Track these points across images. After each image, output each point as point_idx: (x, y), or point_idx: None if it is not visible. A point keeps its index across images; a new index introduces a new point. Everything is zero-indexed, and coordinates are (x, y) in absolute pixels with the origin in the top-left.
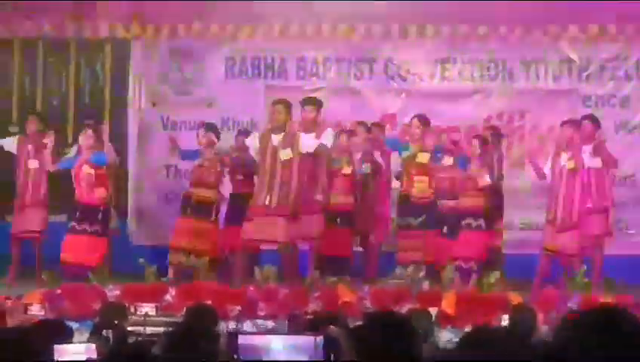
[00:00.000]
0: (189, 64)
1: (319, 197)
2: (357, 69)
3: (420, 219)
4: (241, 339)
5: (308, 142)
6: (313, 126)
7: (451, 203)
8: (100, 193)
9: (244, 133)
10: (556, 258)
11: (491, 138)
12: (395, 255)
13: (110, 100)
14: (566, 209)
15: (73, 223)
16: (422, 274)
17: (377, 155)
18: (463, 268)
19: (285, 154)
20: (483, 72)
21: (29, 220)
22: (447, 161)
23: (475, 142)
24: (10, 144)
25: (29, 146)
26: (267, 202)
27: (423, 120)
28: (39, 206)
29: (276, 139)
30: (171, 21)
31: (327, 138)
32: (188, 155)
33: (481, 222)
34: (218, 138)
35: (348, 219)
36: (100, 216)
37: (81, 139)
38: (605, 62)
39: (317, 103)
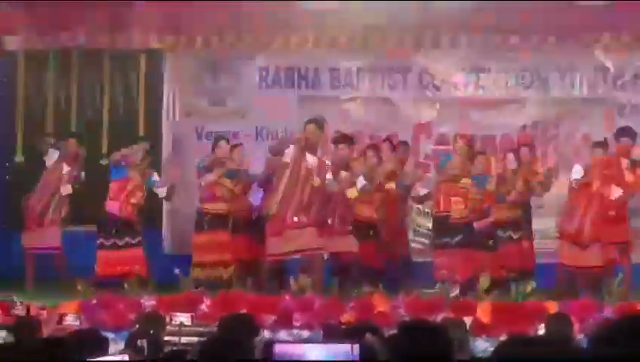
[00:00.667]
0: (222, 75)
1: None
2: (390, 79)
3: (458, 239)
4: (277, 348)
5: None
6: (346, 162)
7: (488, 219)
8: (137, 206)
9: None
10: (581, 272)
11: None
12: (428, 266)
13: (144, 111)
14: (594, 225)
15: (112, 239)
16: (457, 291)
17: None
18: (500, 279)
19: (317, 182)
20: (517, 80)
21: (51, 237)
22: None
23: (511, 156)
24: (52, 157)
25: (65, 168)
26: (295, 219)
27: (469, 141)
28: (60, 223)
29: (310, 159)
30: (205, 32)
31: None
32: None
33: (519, 233)
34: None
35: (377, 233)
36: (136, 228)
37: (131, 154)
38: None
39: (349, 141)
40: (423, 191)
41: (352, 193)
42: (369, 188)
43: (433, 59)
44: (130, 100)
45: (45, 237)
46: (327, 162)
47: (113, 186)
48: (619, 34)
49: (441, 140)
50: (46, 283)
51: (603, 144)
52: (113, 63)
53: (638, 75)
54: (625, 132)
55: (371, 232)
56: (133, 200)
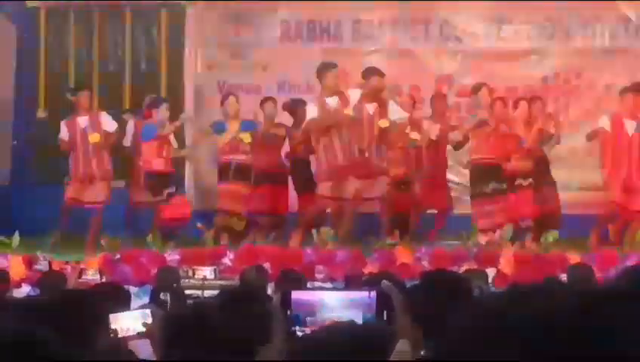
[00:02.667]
0: (244, 28)
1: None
2: (413, 31)
3: (494, 185)
4: (295, 295)
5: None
6: (379, 93)
7: (510, 165)
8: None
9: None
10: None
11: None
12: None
13: (166, 65)
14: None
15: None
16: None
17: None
18: (521, 228)
19: (383, 122)
20: (539, 32)
21: (95, 192)
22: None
23: (524, 104)
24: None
25: (84, 121)
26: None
27: (488, 88)
28: (106, 178)
29: (333, 103)
30: None
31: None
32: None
33: (531, 181)
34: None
35: (407, 185)
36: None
37: (161, 113)
38: None
39: (378, 73)
40: (457, 138)
41: (383, 123)
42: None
43: (455, 10)
44: (151, 54)
45: (93, 194)
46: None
47: (147, 146)
48: None
49: (463, 92)
50: (69, 238)
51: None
52: (135, 17)
53: None
54: None
55: (402, 186)
56: (167, 155)
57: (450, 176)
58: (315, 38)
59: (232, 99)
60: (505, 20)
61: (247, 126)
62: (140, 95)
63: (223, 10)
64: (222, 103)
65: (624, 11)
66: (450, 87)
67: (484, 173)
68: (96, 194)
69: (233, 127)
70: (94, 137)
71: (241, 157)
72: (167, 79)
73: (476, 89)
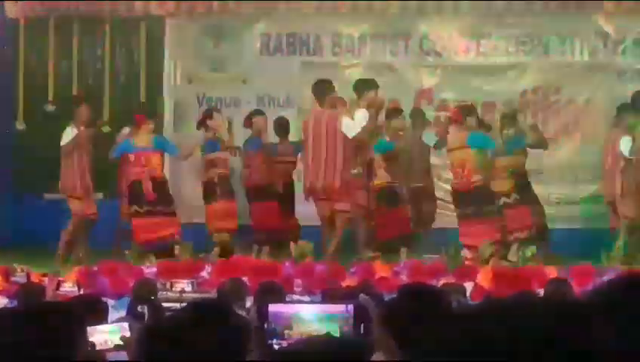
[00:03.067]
0: (224, 41)
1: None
2: (392, 45)
3: (476, 207)
4: (272, 308)
5: (351, 125)
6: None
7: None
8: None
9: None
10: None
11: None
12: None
13: (145, 78)
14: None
15: (135, 206)
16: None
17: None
18: (499, 243)
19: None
20: (518, 46)
21: (89, 204)
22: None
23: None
24: (68, 135)
25: (84, 133)
26: (321, 183)
27: (471, 110)
28: (91, 191)
29: (326, 118)
30: None
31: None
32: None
33: (516, 196)
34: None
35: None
36: (167, 194)
37: (143, 127)
38: None
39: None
40: (432, 141)
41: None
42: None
43: (435, 25)
44: (131, 67)
45: (91, 205)
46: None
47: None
48: (620, 0)
49: (443, 106)
50: (47, 250)
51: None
52: (114, 30)
53: (639, 41)
54: None
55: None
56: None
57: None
58: (295, 52)
59: (216, 115)
60: (484, 35)
61: (211, 146)
62: (119, 107)
63: (203, 23)
64: (203, 121)
65: (603, 27)
66: (430, 102)
67: (465, 195)
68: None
69: (227, 143)
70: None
71: (221, 171)
72: (147, 92)
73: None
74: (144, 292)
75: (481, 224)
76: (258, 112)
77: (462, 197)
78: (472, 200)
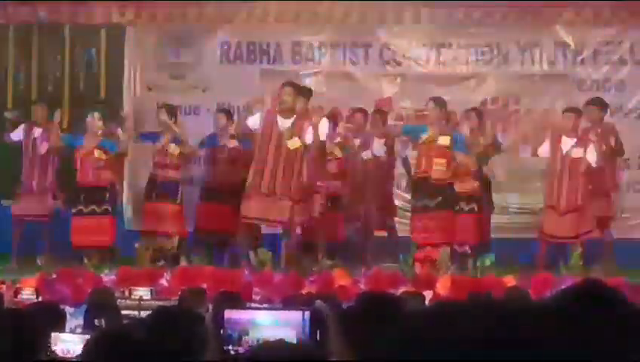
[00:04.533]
0: (184, 49)
1: (320, 183)
2: (352, 54)
3: (438, 200)
4: (229, 314)
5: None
6: (306, 114)
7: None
8: (107, 175)
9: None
10: (555, 243)
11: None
12: (405, 238)
13: (105, 86)
14: (570, 194)
15: (80, 206)
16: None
17: (380, 142)
18: (458, 252)
19: (293, 143)
20: (478, 56)
21: (37, 205)
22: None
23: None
24: (19, 133)
25: (37, 132)
26: (269, 186)
27: (440, 102)
28: (47, 191)
29: (282, 122)
30: (166, 6)
31: (323, 126)
32: (148, 137)
33: (474, 205)
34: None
35: (339, 204)
36: (107, 196)
37: (89, 121)
38: (600, 46)
39: (306, 92)
40: (403, 154)
41: (292, 144)
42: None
43: (395, 34)
44: (91, 75)
45: (35, 206)
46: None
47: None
48: (580, 10)
49: (402, 115)
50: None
51: (576, 109)
52: (74, 37)
53: (599, 51)
54: (593, 102)
55: (329, 204)
56: (102, 170)
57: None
58: (255, 60)
59: (162, 110)
60: (444, 45)
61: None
62: (78, 115)
63: (163, 32)
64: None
65: (562, 37)
66: (390, 110)
67: (427, 187)
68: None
69: (166, 138)
70: (44, 147)
71: (169, 174)
72: (106, 99)
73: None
74: (100, 302)
75: (436, 220)
76: (221, 110)
77: (425, 188)
78: (445, 193)
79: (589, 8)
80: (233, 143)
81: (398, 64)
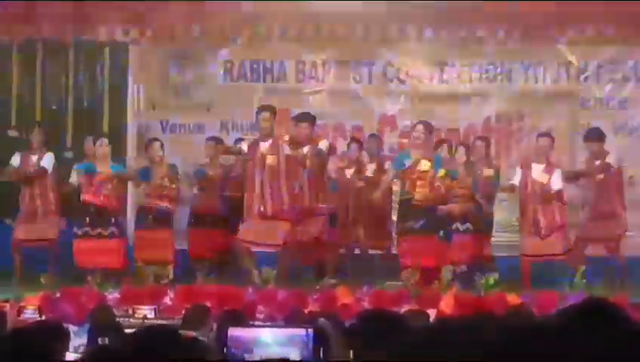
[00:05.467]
0: (187, 67)
1: (321, 203)
2: (356, 72)
3: (421, 223)
4: (232, 332)
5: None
6: (308, 141)
7: (444, 208)
8: (115, 198)
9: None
10: (543, 261)
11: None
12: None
13: (109, 104)
14: (547, 218)
15: (86, 228)
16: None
17: (371, 166)
18: (458, 271)
19: (271, 160)
20: (482, 74)
21: (45, 228)
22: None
23: (462, 149)
24: (17, 159)
25: (33, 157)
26: (262, 209)
27: (427, 126)
28: (53, 214)
29: (263, 146)
30: (170, 25)
31: (323, 146)
32: (143, 175)
33: (468, 225)
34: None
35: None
36: (114, 219)
37: (97, 148)
38: (604, 64)
39: (310, 119)
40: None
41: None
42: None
43: (398, 52)
44: (94, 93)
45: (41, 230)
46: (282, 141)
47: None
48: (583, 28)
49: (406, 133)
50: (8, 276)
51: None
52: (78, 56)
53: (602, 69)
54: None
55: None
56: (104, 191)
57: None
58: (258, 78)
59: (156, 144)
60: (448, 63)
61: (143, 175)
62: (81, 132)
63: (167, 50)
64: (145, 149)
65: (566, 55)
66: (393, 128)
67: (412, 211)
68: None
69: (159, 172)
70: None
71: (163, 204)
72: (110, 117)
73: (413, 126)
74: (102, 321)
75: (422, 243)
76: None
77: (419, 212)
78: (428, 216)
79: (593, 26)
80: (219, 171)
81: (402, 82)
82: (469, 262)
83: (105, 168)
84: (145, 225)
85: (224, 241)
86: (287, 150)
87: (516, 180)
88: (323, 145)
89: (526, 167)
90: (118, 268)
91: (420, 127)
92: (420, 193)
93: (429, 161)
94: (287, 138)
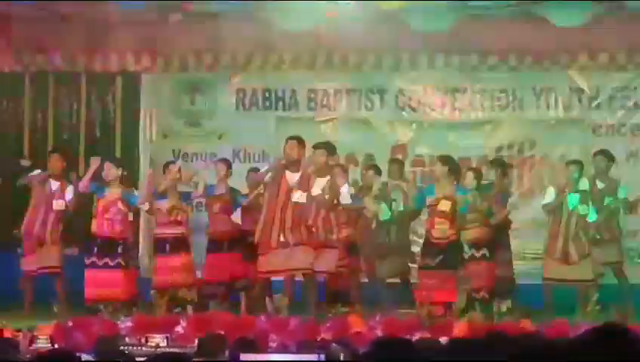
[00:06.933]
0: (199, 96)
1: (334, 235)
2: (368, 100)
3: (438, 260)
4: (244, 358)
5: (320, 185)
6: (326, 169)
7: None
8: (124, 228)
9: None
10: (565, 286)
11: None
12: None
13: (121, 133)
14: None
15: (93, 258)
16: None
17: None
18: (474, 298)
19: (298, 196)
20: (494, 101)
21: (49, 257)
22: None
23: (470, 175)
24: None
25: (54, 185)
26: (282, 238)
27: (448, 161)
28: (57, 243)
29: (290, 176)
30: (181, 54)
31: (344, 190)
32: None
33: (485, 251)
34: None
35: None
36: (122, 249)
37: (110, 173)
38: (615, 91)
39: (329, 147)
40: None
41: (298, 198)
42: (354, 197)
43: (410, 80)
44: (107, 122)
45: (45, 259)
46: (310, 176)
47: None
48: (594, 56)
49: (418, 162)
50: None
51: (577, 162)
52: (90, 85)
53: (613, 96)
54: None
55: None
56: (107, 216)
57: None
58: (271, 106)
59: (172, 166)
60: (459, 90)
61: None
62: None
63: (178, 79)
64: (164, 171)
65: (577, 82)
66: (405, 157)
67: (430, 248)
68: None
69: (173, 197)
70: (59, 205)
71: (177, 231)
72: (122, 147)
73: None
74: (107, 352)
75: (437, 279)
76: (221, 160)
77: (437, 250)
78: (446, 252)
79: (604, 53)
80: (227, 193)
81: (414, 110)
82: (485, 289)
83: (113, 192)
84: (163, 251)
85: (239, 268)
86: (314, 186)
87: (549, 200)
88: (345, 189)
89: (561, 193)
90: (125, 299)
91: (439, 164)
92: (438, 230)
93: (451, 201)
94: (313, 168)
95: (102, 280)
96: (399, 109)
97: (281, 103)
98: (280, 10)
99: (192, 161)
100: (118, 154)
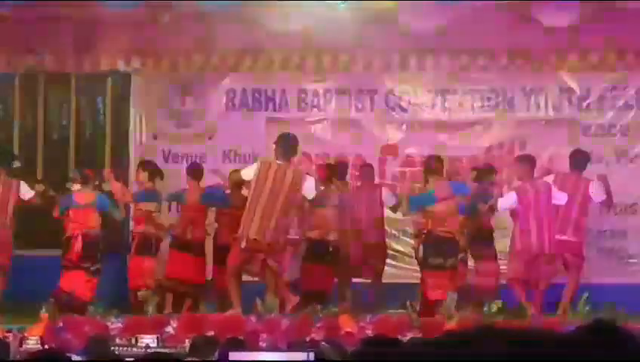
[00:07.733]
0: (189, 97)
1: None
2: (358, 101)
3: (439, 260)
4: (233, 357)
5: (309, 186)
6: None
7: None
8: (96, 228)
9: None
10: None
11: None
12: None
13: (111, 134)
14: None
15: (66, 260)
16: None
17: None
18: (465, 298)
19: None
20: (483, 102)
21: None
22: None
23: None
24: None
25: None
26: (256, 235)
27: (437, 161)
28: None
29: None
30: (172, 54)
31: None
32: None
33: (475, 251)
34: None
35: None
36: (96, 251)
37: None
38: (605, 91)
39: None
40: (391, 202)
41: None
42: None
43: (400, 81)
44: (96, 123)
45: None
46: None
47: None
48: (584, 56)
49: (408, 162)
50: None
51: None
52: (80, 86)
53: (603, 97)
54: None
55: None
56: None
57: (397, 246)
58: (260, 107)
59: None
60: (449, 91)
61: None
62: (84, 163)
63: (168, 80)
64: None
65: (567, 82)
66: (395, 157)
67: (431, 247)
68: None
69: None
70: None
71: (150, 230)
72: (112, 147)
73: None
74: (97, 352)
75: (447, 277)
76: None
77: (435, 248)
78: (445, 251)
79: (594, 54)
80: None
81: (404, 110)
82: (475, 289)
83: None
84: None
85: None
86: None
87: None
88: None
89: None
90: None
91: (430, 165)
92: (434, 230)
93: (451, 203)
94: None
95: (77, 280)
96: (389, 110)
97: (271, 104)
98: (269, 11)
99: (182, 161)
100: (108, 154)
